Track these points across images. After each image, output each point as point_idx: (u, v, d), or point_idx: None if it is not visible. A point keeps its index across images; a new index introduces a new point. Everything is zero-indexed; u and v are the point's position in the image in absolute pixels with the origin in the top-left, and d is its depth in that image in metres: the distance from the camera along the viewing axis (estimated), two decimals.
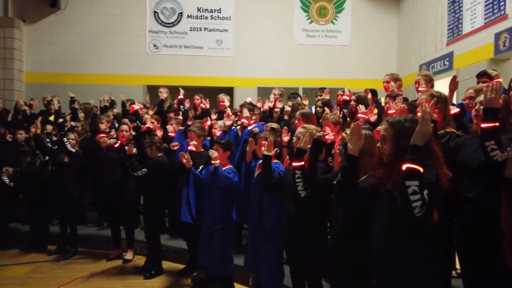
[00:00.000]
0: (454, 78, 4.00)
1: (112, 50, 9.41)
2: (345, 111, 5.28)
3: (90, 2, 9.39)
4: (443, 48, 7.91)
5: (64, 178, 5.79)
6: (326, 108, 5.05)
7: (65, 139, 5.70)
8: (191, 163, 4.69)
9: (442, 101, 3.34)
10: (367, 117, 4.36)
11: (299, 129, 3.63)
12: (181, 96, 7.05)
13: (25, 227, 6.41)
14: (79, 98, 7.69)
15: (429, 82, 4.52)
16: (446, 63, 7.82)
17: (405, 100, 4.68)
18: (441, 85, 5.42)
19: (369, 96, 5.20)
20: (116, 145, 5.63)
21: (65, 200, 5.82)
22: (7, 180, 6.07)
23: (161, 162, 5.14)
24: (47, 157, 5.98)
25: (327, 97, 6.42)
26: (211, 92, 7.43)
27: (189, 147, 4.81)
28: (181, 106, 6.93)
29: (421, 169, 2.05)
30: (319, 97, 6.54)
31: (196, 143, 4.90)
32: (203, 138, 5.13)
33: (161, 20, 9.54)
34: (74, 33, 9.38)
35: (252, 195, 4.17)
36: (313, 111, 5.33)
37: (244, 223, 5.14)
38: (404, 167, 2.07)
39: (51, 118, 7.13)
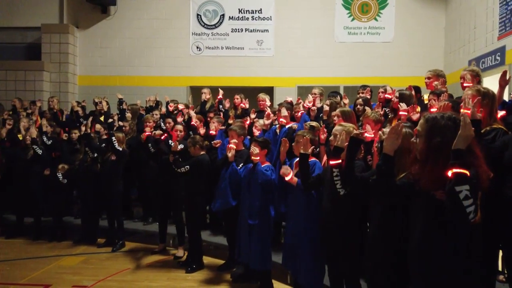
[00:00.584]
0: (505, 73, 3.77)
1: (157, 52, 9.63)
2: (386, 110, 5.14)
3: (137, 7, 9.65)
4: (494, 43, 7.49)
5: (111, 175, 5.99)
6: (367, 107, 4.94)
7: (113, 138, 5.88)
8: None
9: (488, 98, 3.18)
10: (409, 115, 4.22)
11: (336, 127, 3.58)
12: (220, 96, 7.16)
13: (77, 221, 6.70)
14: (127, 99, 7.99)
15: (475, 77, 4.28)
16: (498, 58, 7.39)
17: (450, 97, 4.48)
18: (492, 82, 5.11)
19: (413, 93, 5.02)
20: (162, 137, 5.78)
21: (111, 196, 6.02)
22: (61, 177, 6.33)
23: (203, 160, 5.22)
24: (95, 154, 6.18)
25: (368, 95, 6.29)
26: (252, 92, 7.43)
27: (230, 145, 4.82)
28: (220, 106, 7.04)
29: (468, 173, 1.94)
30: (360, 95, 6.41)
31: (236, 141, 4.92)
32: (243, 137, 5.15)
33: (203, 23, 9.66)
34: (123, 38, 9.68)
35: (289, 193, 4.13)
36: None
37: (283, 221, 5.10)
38: (450, 172, 1.97)
39: (102, 118, 7.39)
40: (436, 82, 4.95)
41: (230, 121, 6.31)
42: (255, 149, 4.37)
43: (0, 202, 6.71)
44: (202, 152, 5.26)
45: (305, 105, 6.37)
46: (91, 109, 7.96)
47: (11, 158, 6.65)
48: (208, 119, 6.63)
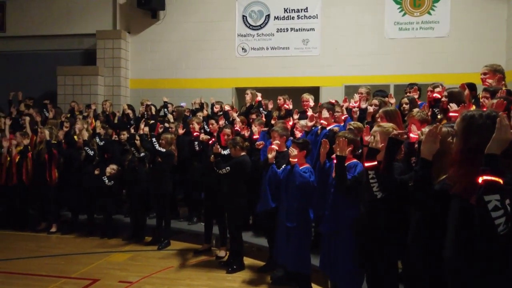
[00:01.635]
0: None
1: (204, 55, 9.76)
2: (436, 110, 4.86)
3: (185, 11, 9.82)
4: None
5: (158, 175, 6.15)
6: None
7: (153, 140, 6.02)
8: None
9: None
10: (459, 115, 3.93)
11: (374, 128, 3.45)
12: (258, 99, 7.13)
13: (127, 219, 6.95)
14: (175, 102, 8.21)
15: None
16: None
17: (509, 94, 4.13)
18: None
19: (466, 91, 4.71)
20: (210, 142, 5.85)
21: (159, 196, 6.18)
22: (107, 180, 6.56)
23: (244, 161, 5.24)
24: (141, 154, 6.34)
25: (416, 94, 6.00)
26: (298, 92, 7.33)
27: (271, 146, 4.80)
28: (260, 109, 7.01)
29: (501, 181, 1.76)
30: (408, 94, 6.14)
31: (279, 142, 4.89)
32: (286, 137, 5.09)
33: (249, 24, 9.67)
34: (171, 41, 9.88)
35: (328, 195, 4.01)
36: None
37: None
38: (480, 179, 1.80)
39: (149, 121, 7.49)
40: (490, 80, 4.60)
41: (273, 122, 6.25)
42: (293, 151, 4.32)
43: (58, 200, 7.05)
44: (242, 153, 5.27)
45: (350, 105, 6.22)
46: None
47: (68, 159, 7.02)
48: (251, 120, 6.68)
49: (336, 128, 5.00)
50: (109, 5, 10.07)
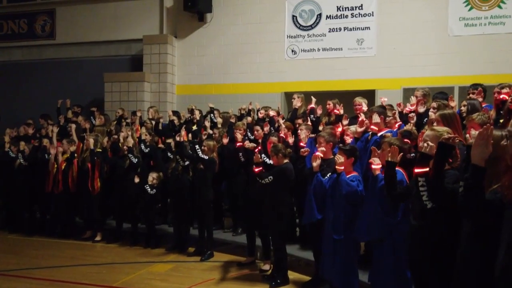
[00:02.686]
0: None
1: (252, 58, 9.91)
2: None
3: (233, 13, 10.03)
4: None
5: (200, 183, 6.32)
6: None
7: (196, 146, 6.19)
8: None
9: None
10: None
11: (427, 132, 3.41)
12: (312, 105, 7.06)
13: (171, 229, 7.14)
14: (222, 107, 8.36)
15: None
16: None
17: None
18: None
19: None
20: (256, 150, 5.90)
21: (201, 205, 6.34)
22: (149, 189, 6.81)
23: (287, 169, 5.26)
24: (186, 162, 6.52)
25: (480, 97, 5.78)
26: (351, 96, 7.24)
27: (317, 153, 4.81)
28: (312, 116, 6.94)
29: None
30: (471, 96, 5.94)
31: (324, 149, 4.87)
32: (333, 144, 5.06)
33: (299, 24, 9.71)
34: (218, 45, 10.09)
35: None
36: None
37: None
38: None
39: (194, 127, 7.85)
40: None
41: (321, 128, 6.24)
42: (339, 158, 4.32)
43: (103, 208, 7.41)
44: (285, 161, 5.31)
45: (406, 109, 6.09)
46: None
47: (112, 167, 7.36)
48: (297, 126, 6.68)
49: (389, 134, 4.91)
50: (156, 9, 10.50)
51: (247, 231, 6.25)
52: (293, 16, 9.73)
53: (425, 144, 3.07)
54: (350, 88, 9.16)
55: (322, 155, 4.82)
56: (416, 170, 3.05)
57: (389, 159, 3.55)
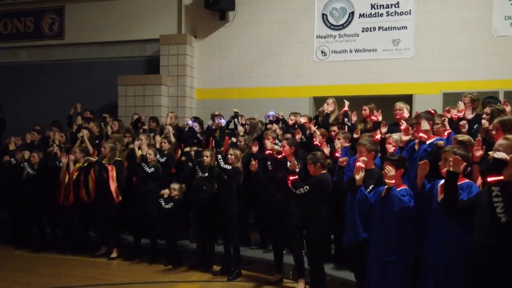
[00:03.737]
0: None
1: (278, 60, 9.95)
2: None
3: (257, 11, 10.09)
4: None
5: (225, 195, 6.34)
6: None
7: (218, 156, 6.19)
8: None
9: None
10: None
11: (500, 141, 3.41)
12: (346, 109, 7.16)
13: (193, 245, 7.17)
14: (246, 113, 8.35)
15: None
16: None
17: None
18: None
19: None
20: (279, 156, 5.95)
21: (226, 219, 6.34)
22: (163, 203, 6.79)
23: (325, 180, 5.30)
24: (206, 174, 6.53)
25: None
26: (386, 102, 7.33)
27: (358, 163, 4.81)
28: (346, 119, 7.07)
29: None
30: None
31: (366, 159, 4.87)
32: (375, 153, 5.08)
33: (329, 23, 9.74)
34: (241, 46, 10.21)
35: (432, 222, 3.97)
36: None
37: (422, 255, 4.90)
38: None
39: (217, 134, 7.83)
40: None
41: (356, 136, 6.33)
42: (390, 170, 4.30)
43: (120, 222, 7.47)
44: (323, 171, 5.33)
45: (453, 115, 6.10)
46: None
47: (130, 177, 7.44)
48: (332, 133, 6.77)
49: (441, 142, 4.93)
50: (174, 7, 10.59)
51: (274, 246, 6.29)
52: (323, 14, 9.76)
53: (500, 154, 3.07)
54: (384, 92, 9.19)
55: (363, 166, 4.82)
56: (489, 179, 3.05)
57: (451, 169, 3.56)
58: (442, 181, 3.90)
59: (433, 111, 5.78)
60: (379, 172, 4.81)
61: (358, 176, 4.66)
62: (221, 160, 6.15)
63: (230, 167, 6.21)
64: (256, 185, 6.63)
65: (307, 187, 5.24)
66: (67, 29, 11.49)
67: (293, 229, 5.91)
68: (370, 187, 4.74)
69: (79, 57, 11.31)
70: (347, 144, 6.10)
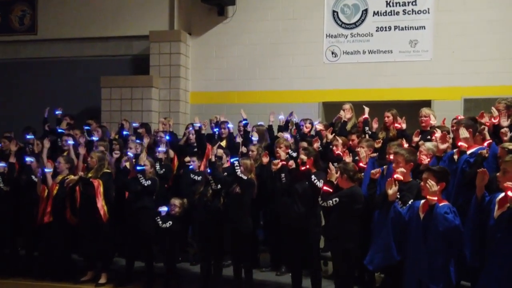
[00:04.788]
0: None
1: (284, 61, 10.06)
2: None
3: (260, 6, 10.13)
4: None
5: (236, 211, 6.25)
6: None
7: (235, 163, 6.13)
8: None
9: None
10: None
11: None
12: (366, 116, 7.25)
13: (195, 268, 7.07)
14: (248, 119, 8.27)
15: None
16: None
17: None
18: None
19: None
20: (303, 168, 5.89)
21: (237, 238, 6.26)
22: (160, 222, 6.64)
23: (356, 193, 5.32)
24: (218, 186, 6.44)
25: None
26: (402, 108, 7.50)
27: (396, 175, 4.85)
28: (366, 128, 7.17)
29: None
30: None
31: (404, 170, 4.91)
32: (413, 164, 5.13)
33: (341, 21, 9.83)
34: (242, 44, 10.24)
35: (490, 242, 4.00)
36: None
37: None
38: None
39: (223, 143, 7.79)
40: None
41: (376, 145, 6.42)
42: (433, 185, 4.31)
43: (110, 242, 7.23)
44: (352, 184, 5.37)
45: (486, 122, 6.21)
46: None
47: (120, 191, 7.20)
48: (350, 143, 6.87)
49: (484, 151, 5.00)
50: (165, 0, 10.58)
51: (291, 268, 6.26)
52: (334, 11, 9.85)
53: None
54: (400, 98, 9.34)
55: (401, 178, 4.86)
56: None
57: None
58: (502, 195, 3.94)
59: (478, 117, 5.81)
60: (418, 185, 4.83)
61: (391, 191, 4.69)
62: (238, 168, 6.09)
63: (245, 177, 6.15)
64: (268, 199, 6.65)
65: (336, 199, 5.24)
66: (41, 23, 11.32)
67: (314, 248, 5.96)
68: (410, 202, 4.76)
69: (55, 55, 11.15)
70: (374, 154, 6.22)
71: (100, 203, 6.98)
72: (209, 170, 6.38)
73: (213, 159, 6.39)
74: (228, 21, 10.28)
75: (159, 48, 10.25)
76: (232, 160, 6.40)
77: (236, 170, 6.07)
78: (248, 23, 10.16)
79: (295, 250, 6.03)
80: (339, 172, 5.41)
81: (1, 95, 11.15)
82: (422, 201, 4.51)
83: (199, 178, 7.05)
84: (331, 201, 5.26)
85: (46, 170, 7.24)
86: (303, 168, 5.89)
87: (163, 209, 6.64)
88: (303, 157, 5.93)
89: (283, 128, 7.96)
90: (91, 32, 10.95)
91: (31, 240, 7.72)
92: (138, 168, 6.68)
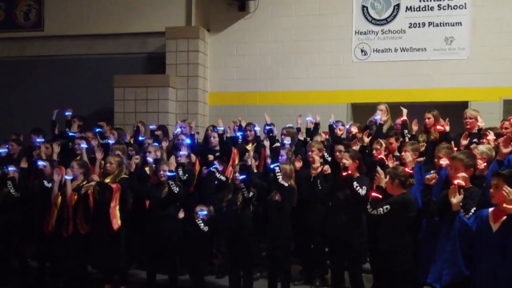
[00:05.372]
0: None
1: (309, 60, 9.96)
2: None
3: (285, 1, 10.05)
4: None
5: (274, 220, 6.12)
6: None
7: (276, 169, 5.99)
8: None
9: None
10: None
11: None
12: (404, 118, 7.19)
13: (221, 281, 6.94)
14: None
15: None
16: None
17: None
18: None
19: None
20: (345, 173, 5.74)
21: (275, 249, 6.09)
22: (202, 224, 6.47)
23: (409, 201, 5.14)
24: (250, 194, 6.28)
25: None
26: (437, 110, 7.32)
27: (456, 181, 4.64)
28: (405, 131, 7.08)
29: None
30: None
31: (465, 175, 4.74)
32: (473, 169, 4.97)
33: (371, 17, 9.73)
34: (265, 42, 10.14)
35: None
36: None
37: None
38: None
39: (249, 146, 7.66)
40: None
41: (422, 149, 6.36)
42: (510, 192, 4.09)
43: (126, 253, 7.02)
44: (404, 191, 5.20)
45: None
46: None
47: (139, 198, 7.10)
48: (389, 145, 6.74)
49: None
50: None
51: (335, 282, 6.09)
52: (363, 6, 9.79)
53: None
54: (435, 99, 9.25)
55: (463, 184, 4.64)
56: None
57: None
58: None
59: None
60: (480, 192, 4.74)
61: (456, 200, 4.51)
62: (279, 174, 5.96)
63: (287, 184, 6.02)
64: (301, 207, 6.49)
65: (387, 206, 5.06)
66: (47, 18, 11.18)
67: (357, 263, 5.88)
68: (472, 211, 4.61)
69: (63, 53, 11.03)
70: (420, 159, 6.18)
71: (113, 209, 6.79)
72: (242, 176, 6.20)
73: (250, 163, 6.34)
74: (249, 16, 10.19)
75: (176, 46, 10.13)
76: (272, 165, 6.24)
77: (278, 177, 5.97)
78: (271, 18, 10.08)
79: (336, 264, 5.96)
80: (388, 177, 5.24)
81: (5, 96, 11.04)
82: (491, 209, 4.36)
83: (224, 178, 7.14)
84: (381, 209, 5.07)
85: (66, 177, 7.00)
86: (345, 173, 5.72)
87: (203, 212, 6.48)
88: (346, 161, 5.77)
89: (313, 131, 7.88)
90: (102, 29, 10.82)
91: (43, 250, 7.50)
92: (169, 174, 6.51)
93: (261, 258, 6.76)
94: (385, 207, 5.06)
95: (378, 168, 5.34)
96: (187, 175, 7.15)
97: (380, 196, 5.16)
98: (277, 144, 7.67)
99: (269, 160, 6.63)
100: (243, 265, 6.48)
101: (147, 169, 7.38)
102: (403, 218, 5.08)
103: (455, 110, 7.40)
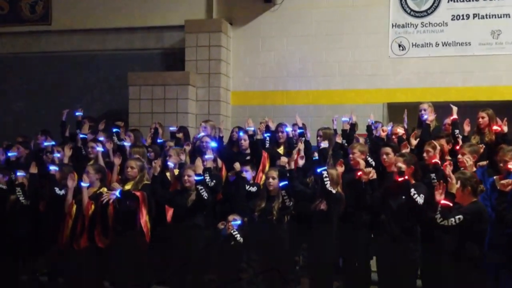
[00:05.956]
0: None
1: (342, 56, 9.85)
2: None
3: None
4: None
5: (319, 233, 6.00)
6: None
7: (324, 173, 5.82)
8: None
9: None
10: None
11: None
12: (454, 116, 7.02)
13: None
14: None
15: None
16: None
17: None
18: None
19: None
20: (400, 179, 5.54)
21: (319, 265, 6.02)
22: (238, 236, 6.34)
23: (482, 210, 4.97)
24: (291, 203, 6.21)
25: None
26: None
27: None
28: (456, 131, 6.86)
29: None
30: None
31: None
32: None
33: (409, 9, 9.56)
34: (293, 36, 10.00)
35: None
36: None
37: None
38: None
39: (280, 149, 7.59)
40: None
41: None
42: None
43: (150, 267, 6.94)
44: (475, 199, 5.02)
45: None
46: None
47: (160, 205, 6.86)
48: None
49: None
50: None
51: None
52: None
53: None
54: (480, 98, 9.10)
55: None
56: None
57: None
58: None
59: None
60: None
61: None
62: (327, 180, 5.78)
63: (334, 191, 5.86)
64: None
65: (460, 216, 4.82)
66: (56, 11, 11.05)
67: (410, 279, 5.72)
68: None
69: (72, 49, 10.90)
70: (483, 163, 6.00)
71: (144, 219, 6.66)
72: (283, 183, 6.15)
73: (292, 166, 6.19)
74: (276, 8, 10.01)
75: (196, 40, 9.99)
76: (319, 169, 6.00)
77: (326, 182, 5.83)
78: (300, 11, 9.96)
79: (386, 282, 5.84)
80: (459, 183, 4.99)
81: (10, 94, 10.98)
82: None
83: (254, 189, 6.85)
84: (453, 219, 4.82)
85: (82, 184, 6.77)
86: (401, 178, 5.53)
87: (237, 222, 6.39)
88: (401, 165, 5.56)
89: (349, 132, 7.68)
90: (115, 22, 10.70)
91: (55, 264, 7.42)
92: (197, 178, 6.38)
93: (295, 274, 6.69)
94: (457, 217, 4.85)
95: (450, 173, 5.10)
96: (214, 181, 6.92)
97: (451, 204, 4.92)
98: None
99: (301, 162, 6.42)
100: (278, 281, 6.38)
101: (167, 174, 7.15)
102: (473, 230, 4.90)
103: (501, 111, 7.21)
